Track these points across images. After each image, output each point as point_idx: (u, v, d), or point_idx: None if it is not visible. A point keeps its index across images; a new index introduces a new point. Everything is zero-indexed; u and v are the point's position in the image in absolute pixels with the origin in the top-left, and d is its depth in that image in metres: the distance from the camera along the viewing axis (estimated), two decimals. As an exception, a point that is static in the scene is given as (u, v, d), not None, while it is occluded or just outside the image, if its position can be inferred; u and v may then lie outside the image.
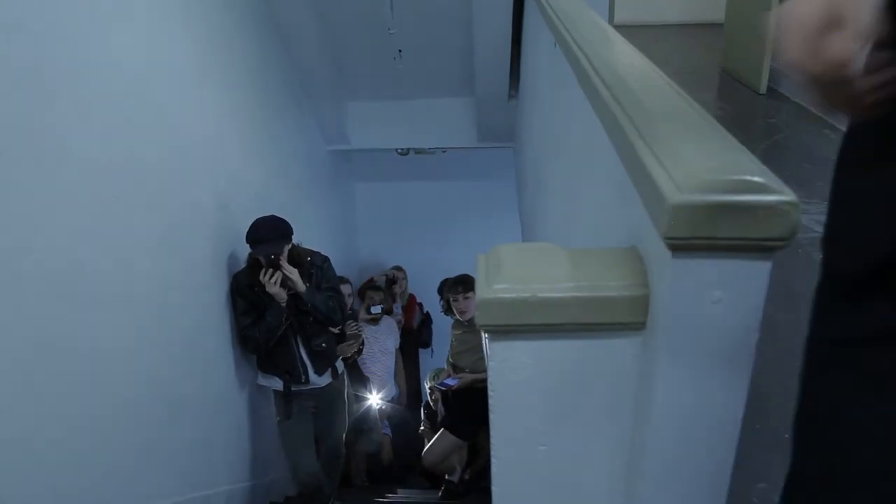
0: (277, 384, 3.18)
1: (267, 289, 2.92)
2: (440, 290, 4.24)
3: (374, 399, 4.31)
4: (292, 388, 3.15)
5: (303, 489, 3.32)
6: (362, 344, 4.07)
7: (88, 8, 2.17)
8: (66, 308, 1.95)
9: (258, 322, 3.02)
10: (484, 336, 0.83)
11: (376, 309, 4.52)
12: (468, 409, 3.62)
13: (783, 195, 0.62)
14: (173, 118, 2.76)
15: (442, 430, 3.82)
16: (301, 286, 2.96)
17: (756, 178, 0.64)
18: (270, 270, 2.91)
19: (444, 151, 5.82)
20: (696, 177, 0.64)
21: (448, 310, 3.86)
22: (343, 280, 4.02)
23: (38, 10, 1.90)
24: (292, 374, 3.13)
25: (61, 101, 1.99)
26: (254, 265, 3.00)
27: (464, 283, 3.62)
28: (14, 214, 1.75)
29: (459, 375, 3.66)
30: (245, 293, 3.03)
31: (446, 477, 3.97)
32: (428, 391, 4.39)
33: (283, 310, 3.00)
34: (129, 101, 2.37)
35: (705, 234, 0.64)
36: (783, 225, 0.63)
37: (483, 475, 3.92)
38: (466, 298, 3.61)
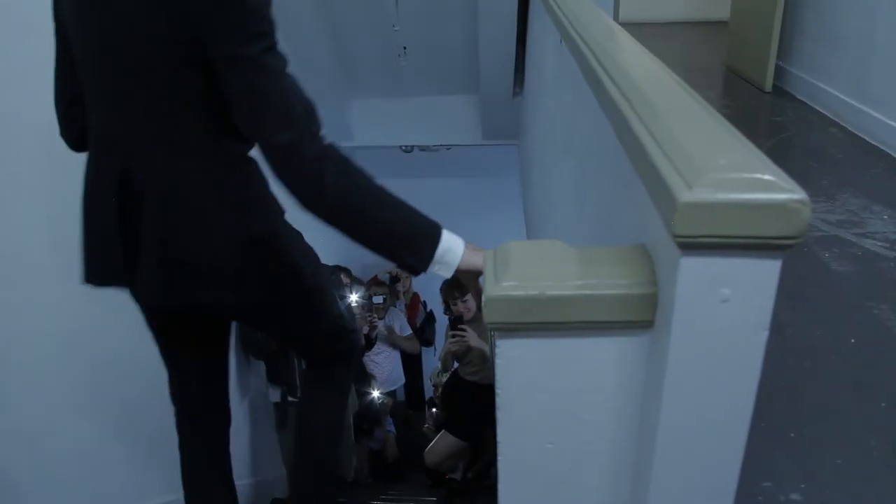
0: (276, 396, 3.19)
1: None
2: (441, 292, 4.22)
3: (378, 395, 4.31)
4: (288, 399, 3.15)
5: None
6: (375, 339, 4.03)
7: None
8: (69, 304, 1.96)
9: None
10: (491, 334, 0.83)
11: (378, 299, 4.50)
12: (468, 409, 3.60)
13: (793, 193, 0.62)
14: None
15: (443, 430, 3.81)
16: None
17: (766, 176, 0.63)
18: None
19: (448, 149, 5.81)
20: (706, 174, 0.64)
21: (449, 310, 3.84)
22: (341, 269, 4.01)
23: (46, 8, 1.90)
24: (290, 386, 3.12)
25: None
26: None
27: (459, 287, 3.55)
28: (17, 211, 1.75)
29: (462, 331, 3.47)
30: None
31: (447, 476, 3.96)
32: (432, 387, 4.39)
33: None
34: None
35: (714, 233, 0.63)
36: (793, 223, 0.62)
37: (486, 473, 3.92)
38: (464, 302, 3.56)
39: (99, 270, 1.50)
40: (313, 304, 1.69)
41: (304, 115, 1.19)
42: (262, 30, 1.20)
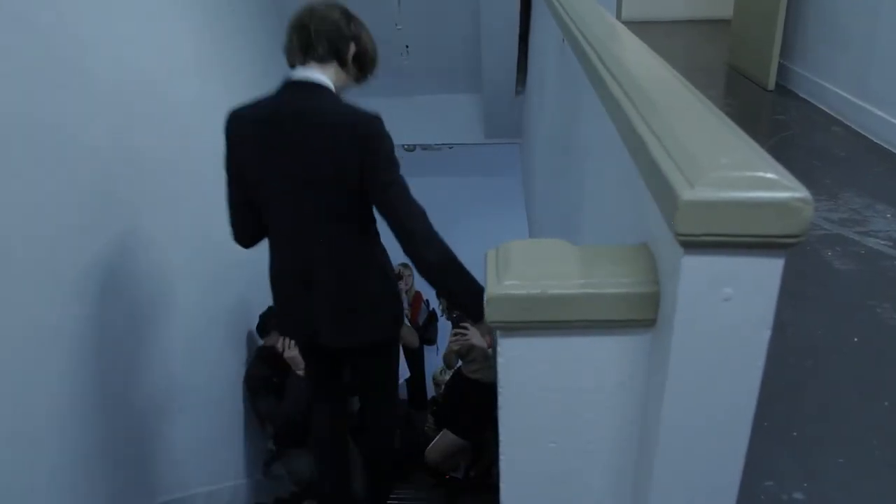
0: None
1: (284, 355, 3.06)
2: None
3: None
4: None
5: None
6: None
7: (94, 2, 2.17)
8: (69, 302, 1.96)
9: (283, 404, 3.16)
10: (493, 332, 0.83)
11: None
12: (470, 407, 3.60)
13: (796, 192, 0.62)
14: (178, 113, 2.76)
15: (444, 429, 3.81)
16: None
17: (768, 175, 0.63)
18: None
19: (450, 148, 5.81)
20: (708, 173, 0.64)
21: (447, 312, 3.83)
22: None
23: (43, 3, 1.90)
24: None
25: (67, 95, 1.99)
26: (264, 356, 3.17)
27: None
28: (18, 208, 1.75)
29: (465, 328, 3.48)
30: (264, 386, 3.17)
31: (447, 476, 3.96)
32: (433, 386, 4.38)
33: (303, 385, 3.13)
34: (134, 96, 2.38)
35: (717, 231, 0.63)
36: (796, 222, 0.62)
37: (488, 473, 3.91)
38: None
39: (292, 328, 2.26)
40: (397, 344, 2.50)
41: (424, 213, 1.88)
42: (397, 163, 1.88)
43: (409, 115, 5.09)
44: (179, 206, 2.69)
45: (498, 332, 0.79)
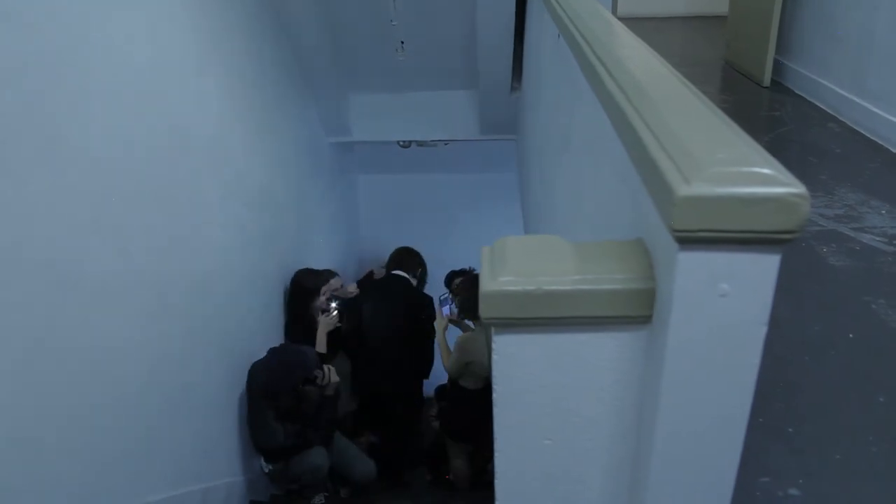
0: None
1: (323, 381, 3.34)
2: (447, 282, 4.24)
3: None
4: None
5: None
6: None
7: (89, -2, 2.16)
8: (66, 301, 1.95)
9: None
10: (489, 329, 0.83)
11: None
12: (464, 416, 3.65)
13: (792, 187, 0.61)
14: (175, 110, 2.75)
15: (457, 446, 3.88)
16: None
17: (765, 170, 0.63)
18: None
19: (446, 144, 5.79)
20: (704, 168, 0.63)
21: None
22: (331, 273, 4.04)
23: (32, 1, 1.89)
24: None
25: (62, 92, 1.98)
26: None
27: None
28: (14, 207, 1.74)
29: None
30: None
31: (447, 477, 3.99)
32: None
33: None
34: (130, 93, 2.36)
35: (713, 227, 0.63)
36: (792, 217, 0.62)
37: (484, 470, 3.92)
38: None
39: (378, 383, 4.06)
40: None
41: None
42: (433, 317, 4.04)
43: (405, 111, 5.08)
44: (177, 206, 2.67)
45: (493, 329, 0.78)
